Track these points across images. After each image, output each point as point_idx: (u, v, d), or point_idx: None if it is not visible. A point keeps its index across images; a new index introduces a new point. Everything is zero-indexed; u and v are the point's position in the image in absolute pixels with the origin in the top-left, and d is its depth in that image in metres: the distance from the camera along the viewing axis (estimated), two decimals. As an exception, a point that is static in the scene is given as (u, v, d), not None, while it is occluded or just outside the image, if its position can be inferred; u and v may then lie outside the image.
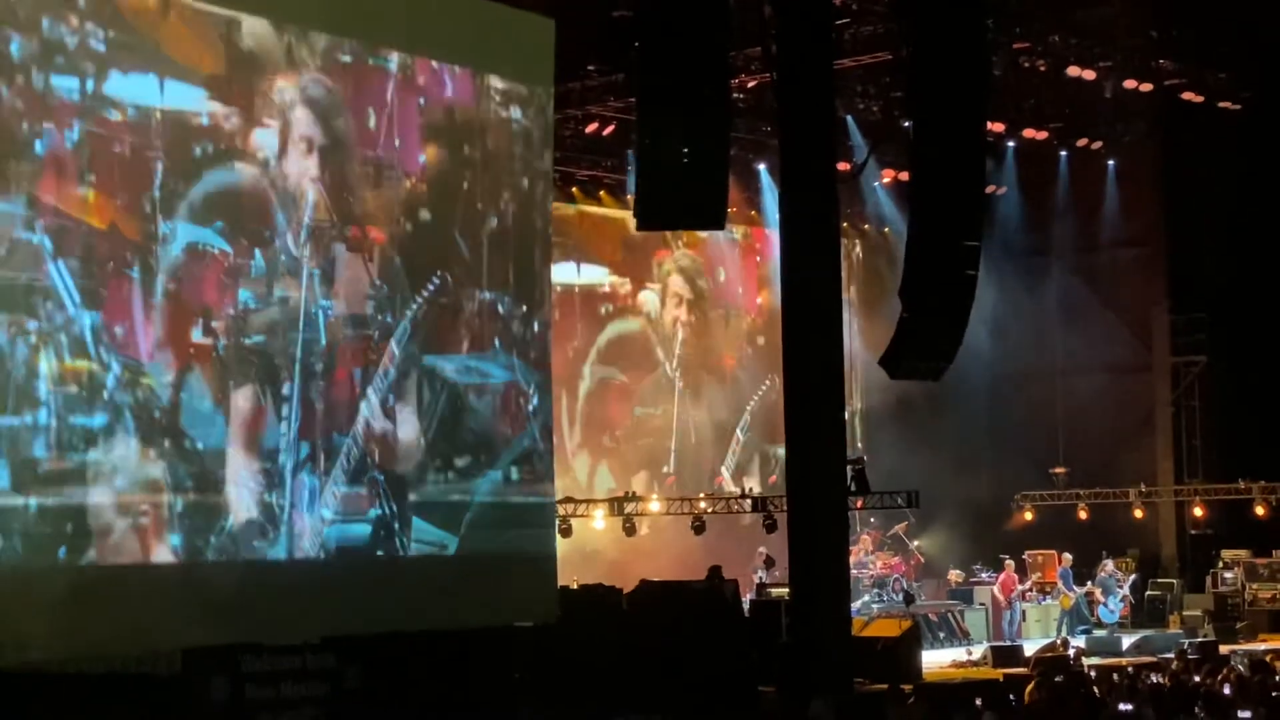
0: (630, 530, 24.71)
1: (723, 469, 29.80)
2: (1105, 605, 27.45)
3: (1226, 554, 27.73)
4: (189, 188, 14.67)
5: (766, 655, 18.35)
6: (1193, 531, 29.84)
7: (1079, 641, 24.59)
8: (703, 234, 28.65)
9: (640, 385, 29.05)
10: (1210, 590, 27.42)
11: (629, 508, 24.80)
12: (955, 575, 28.49)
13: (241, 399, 14.96)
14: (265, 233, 15.33)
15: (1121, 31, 25.36)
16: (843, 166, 22.66)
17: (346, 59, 16.22)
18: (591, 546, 25.14)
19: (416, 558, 16.46)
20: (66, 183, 13.78)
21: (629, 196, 25.62)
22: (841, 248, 21.04)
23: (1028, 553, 28.48)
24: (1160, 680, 16.21)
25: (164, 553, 14.26)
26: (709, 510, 25.17)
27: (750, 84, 24.38)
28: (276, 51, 15.53)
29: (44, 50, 13.68)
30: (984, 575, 28.16)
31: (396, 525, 16.25)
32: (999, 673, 20.57)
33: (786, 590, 18.88)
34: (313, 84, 15.81)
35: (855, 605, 22.33)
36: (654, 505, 25.86)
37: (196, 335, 14.65)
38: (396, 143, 16.64)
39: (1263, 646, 23.04)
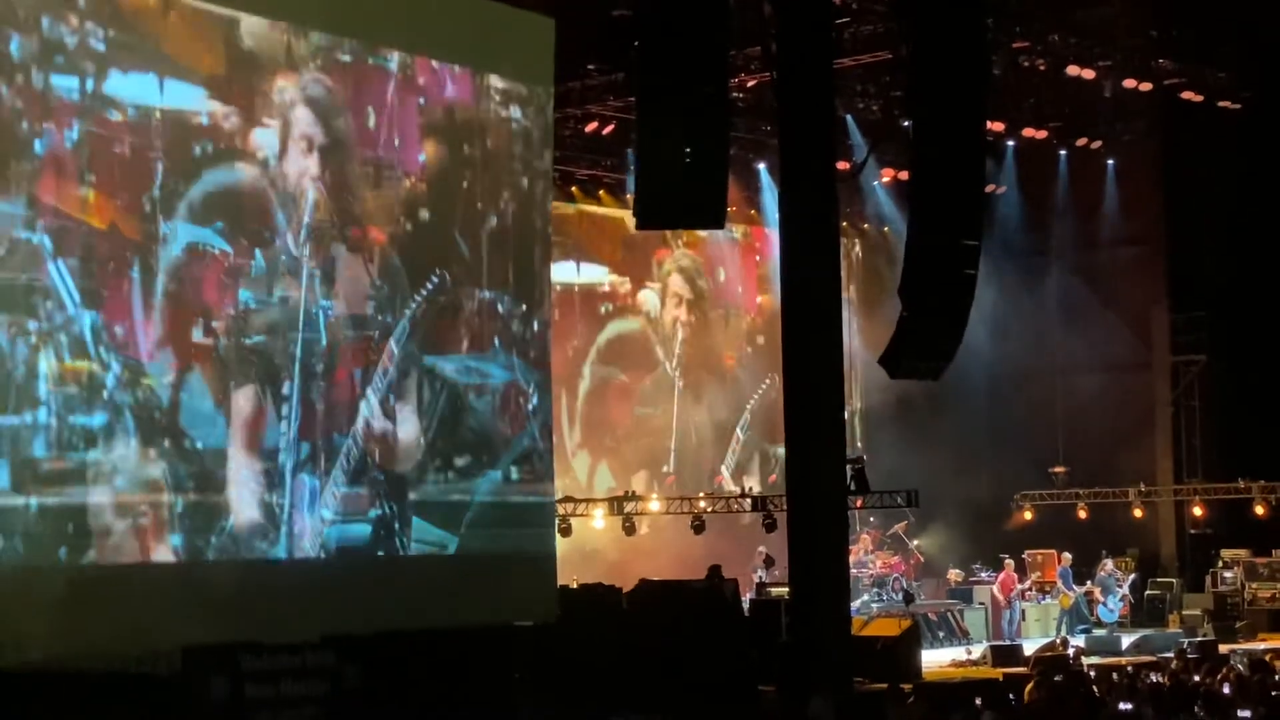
0: (630, 530, 24.70)
1: (723, 468, 29.80)
2: (1105, 605, 27.45)
3: (1226, 553, 27.72)
4: (189, 187, 14.68)
5: (766, 654, 18.34)
6: (1192, 531, 29.83)
7: (1078, 641, 24.59)
8: (702, 233, 28.64)
9: (640, 385, 29.05)
10: (1210, 590, 27.41)
11: (629, 507, 24.80)
12: (955, 574, 28.48)
13: (242, 399, 14.97)
14: (265, 233, 15.33)
15: (1121, 31, 25.35)
16: (842, 166, 22.64)
17: (346, 58, 16.23)
18: (591, 546, 25.14)
19: (416, 557, 16.47)
20: (66, 182, 13.79)
21: (629, 196, 25.61)
22: (841, 247, 21.06)
23: (1027, 552, 28.47)
24: (1160, 680, 16.19)
25: (164, 552, 14.27)
26: (709, 510, 25.16)
27: (750, 83, 24.37)
28: (276, 51, 15.54)
29: (44, 50, 13.69)
30: (983, 574, 28.15)
31: (397, 525, 16.26)
32: (998, 672, 20.56)
33: (786, 589, 18.86)
34: (313, 83, 15.81)
35: (855, 604, 22.32)
36: (654, 505, 25.86)
37: (197, 335, 14.66)
38: (396, 142, 16.65)
39: (1262, 646, 23.04)
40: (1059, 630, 26.60)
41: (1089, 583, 27.74)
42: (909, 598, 25.66)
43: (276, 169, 15.44)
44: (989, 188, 26.35)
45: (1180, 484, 29.69)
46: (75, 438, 13.64)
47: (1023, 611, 26.95)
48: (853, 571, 22.50)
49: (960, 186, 17.59)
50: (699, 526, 24.49)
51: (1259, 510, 27.28)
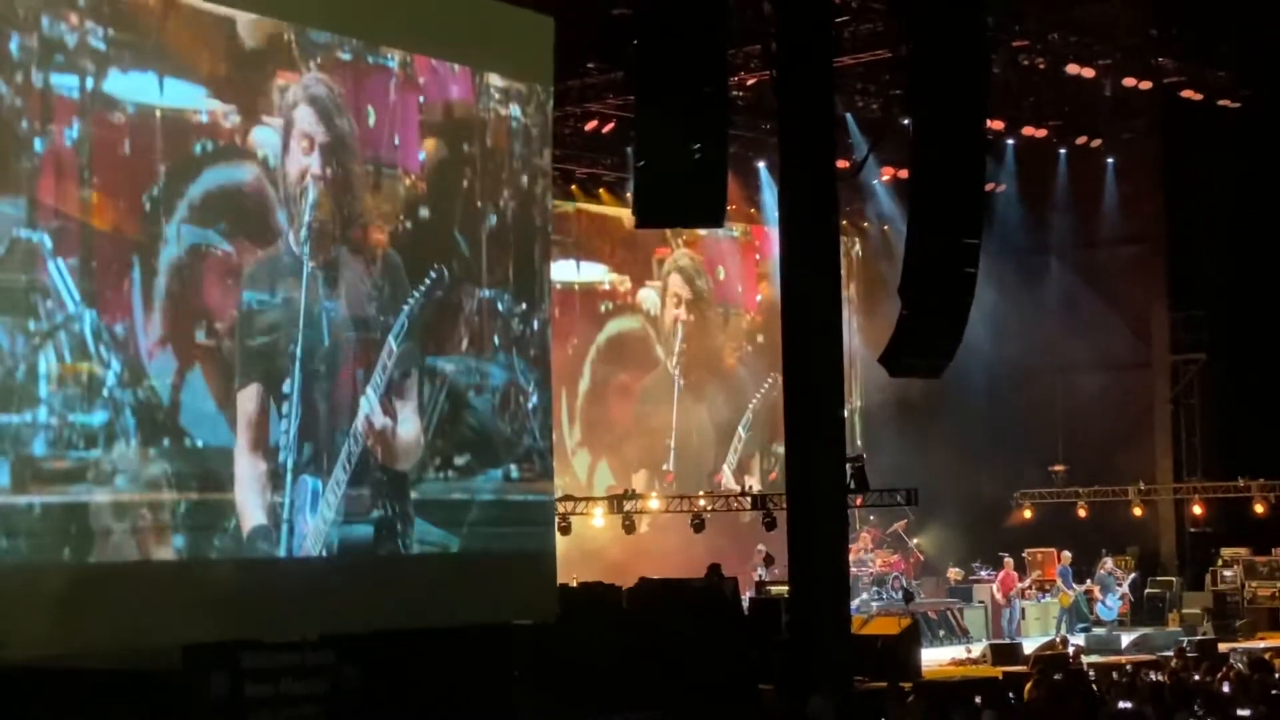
0: (630, 528, 24.73)
1: (724, 467, 29.83)
2: (1104, 603, 27.47)
3: (1226, 552, 27.74)
4: (189, 187, 14.65)
5: (766, 653, 18.36)
6: (1192, 529, 29.86)
7: (1078, 639, 24.63)
8: (702, 232, 28.69)
9: (640, 383, 29.07)
10: (1209, 588, 27.44)
11: (629, 506, 24.82)
12: (954, 573, 28.52)
13: (243, 399, 14.95)
14: (266, 233, 15.32)
15: (1121, 29, 25.37)
16: (842, 164, 22.66)
17: (346, 57, 16.21)
18: (591, 544, 25.17)
19: (418, 556, 16.45)
20: (66, 182, 13.76)
21: (628, 194, 25.62)
22: (841, 245, 21.07)
23: (1027, 550, 28.49)
24: (1159, 678, 16.22)
25: (166, 552, 14.26)
26: (708, 508, 25.18)
27: (750, 82, 24.40)
28: (277, 50, 15.52)
29: (44, 48, 13.67)
30: (983, 573, 28.18)
31: (399, 525, 16.24)
32: (998, 671, 20.59)
33: (786, 588, 18.89)
34: (313, 82, 15.79)
35: (854, 603, 22.34)
36: (654, 503, 25.89)
37: (199, 336, 14.64)
38: (396, 141, 16.63)
39: (1262, 644, 23.06)
40: (1059, 629, 26.62)
41: (1089, 581, 27.75)
42: (909, 596, 25.69)
43: (277, 168, 15.42)
44: (989, 186, 26.36)
45: (1180, 482, 29.72)
46: (76, 437, 13.63)
47: (1022, 610, 26.98)
48: (852, 570, 22.53)
49: (960, 185, 17.62)
50: (699, 525, 24.50)
51: (1259, 509, 27.31)
